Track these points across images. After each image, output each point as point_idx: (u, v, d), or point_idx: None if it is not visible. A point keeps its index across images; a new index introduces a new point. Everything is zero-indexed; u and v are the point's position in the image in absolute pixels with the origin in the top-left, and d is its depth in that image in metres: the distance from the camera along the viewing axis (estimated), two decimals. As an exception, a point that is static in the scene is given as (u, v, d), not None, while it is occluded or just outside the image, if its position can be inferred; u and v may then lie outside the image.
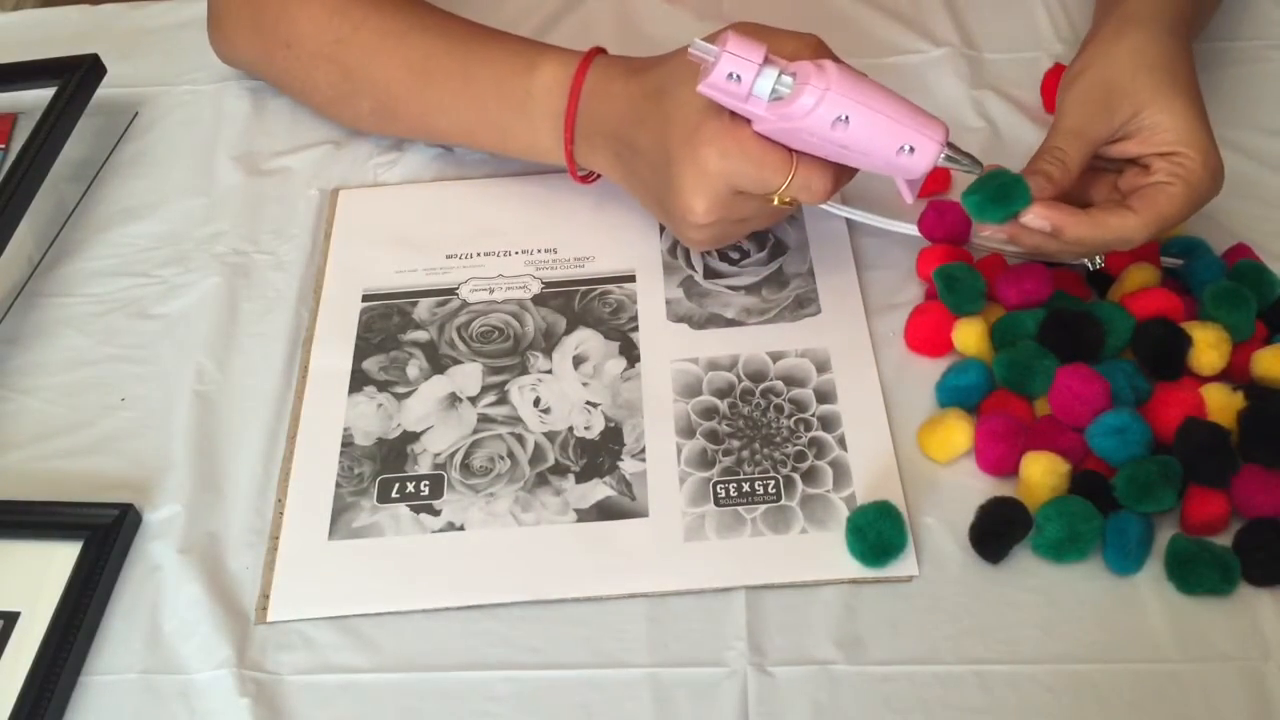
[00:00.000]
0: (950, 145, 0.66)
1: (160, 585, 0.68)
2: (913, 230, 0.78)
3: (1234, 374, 0.68)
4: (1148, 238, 0.67)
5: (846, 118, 0.64)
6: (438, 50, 0.81)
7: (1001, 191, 0.66)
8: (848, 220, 0.80)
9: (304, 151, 0.89)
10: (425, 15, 0.82)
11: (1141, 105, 0.68)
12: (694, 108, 0.68)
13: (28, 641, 0.65)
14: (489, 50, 0.80)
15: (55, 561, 0.68)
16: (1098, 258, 0.73)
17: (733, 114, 0.68)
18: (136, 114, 0.94)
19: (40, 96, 0.88)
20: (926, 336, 0.73)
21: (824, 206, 0.79)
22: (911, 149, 0.65)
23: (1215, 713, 0.59)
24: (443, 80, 0.81)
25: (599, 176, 0.80)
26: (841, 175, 0.69)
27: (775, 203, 0.69)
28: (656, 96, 0.71)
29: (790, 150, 0.67)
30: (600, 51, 0.77)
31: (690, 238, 0.74)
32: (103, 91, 0.91)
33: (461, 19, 0.83)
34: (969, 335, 0.71)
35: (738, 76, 0.65)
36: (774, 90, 0.65)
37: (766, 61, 0.65)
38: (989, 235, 0.69)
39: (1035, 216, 0.66)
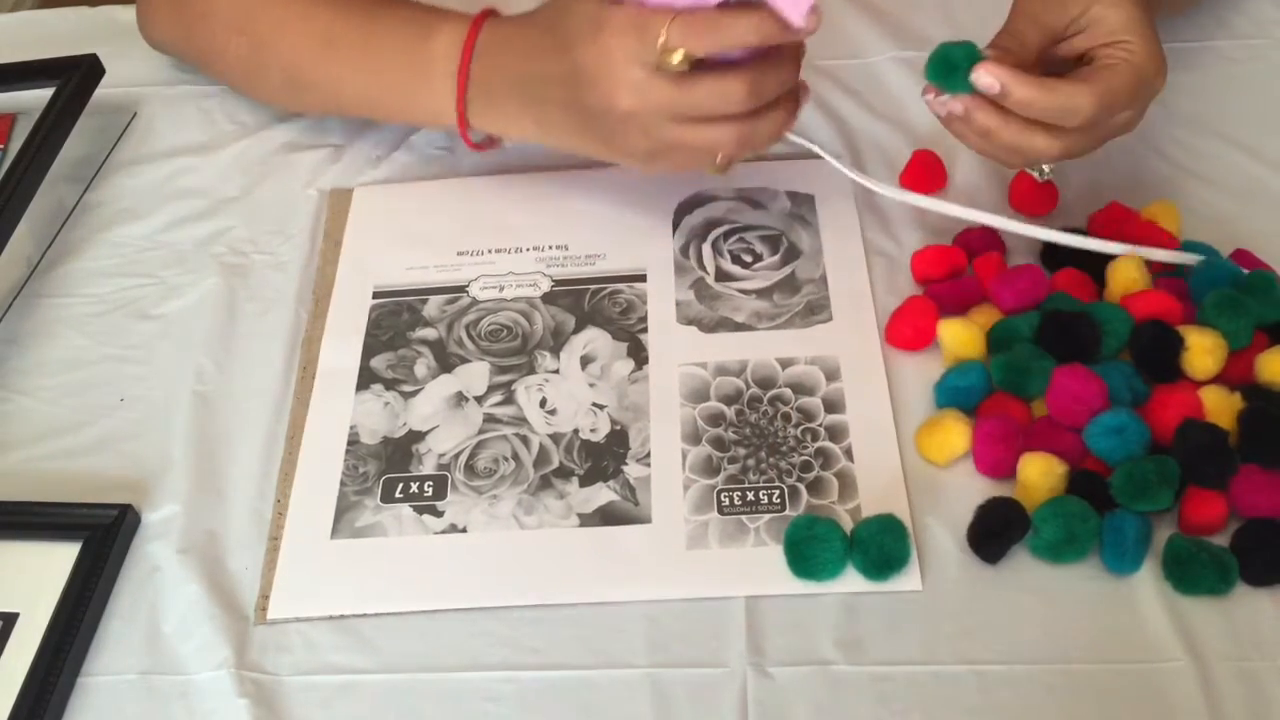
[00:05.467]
0: None
1: (159, 586, 0.72)
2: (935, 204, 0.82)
3: (1229, 380, 0.72)
4: (1095, 110, 0.72)
5: None
6: (340, 20, 0.87)
7: (960, 54, 0.73)
8: (861, 232, 0.85)
9: (303, 152, 0.94)
10: None
11: (1092, 1, 0.75)
12: (588, 11, 0.74)
13: (27, 642, 0.68)
14: (390, 19, 0.86)
15: (54, 562, 0.71)
16: (1045, 167, 0.78)
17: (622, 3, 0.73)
18: (135, 114, 0.99)
19: (39, 96, 0.93)
20: (907, 330, 0.78)
21: (854, 174, 0.82)
22: None
23: (1214, 713, 0.62)
24: (346, 51, 0.86)
25: (496, 144, 0.86)
26: (722, 22, 0.72)
27: (674, 62, 0.71)
28: (551, 24, 0.77)
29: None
30: (494, 12, 0.83)
31: (626, 147, 0.77)
32: (101, 91, 0.95)
33: None
34: (954, 331, 0.76)
35: None
36: None
37: None
38: (941, 101, 0.74)
39: (984, 73, 0.71)
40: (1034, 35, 0.75)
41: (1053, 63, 0.77)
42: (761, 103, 0.75)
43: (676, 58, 0.71)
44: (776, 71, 0.74)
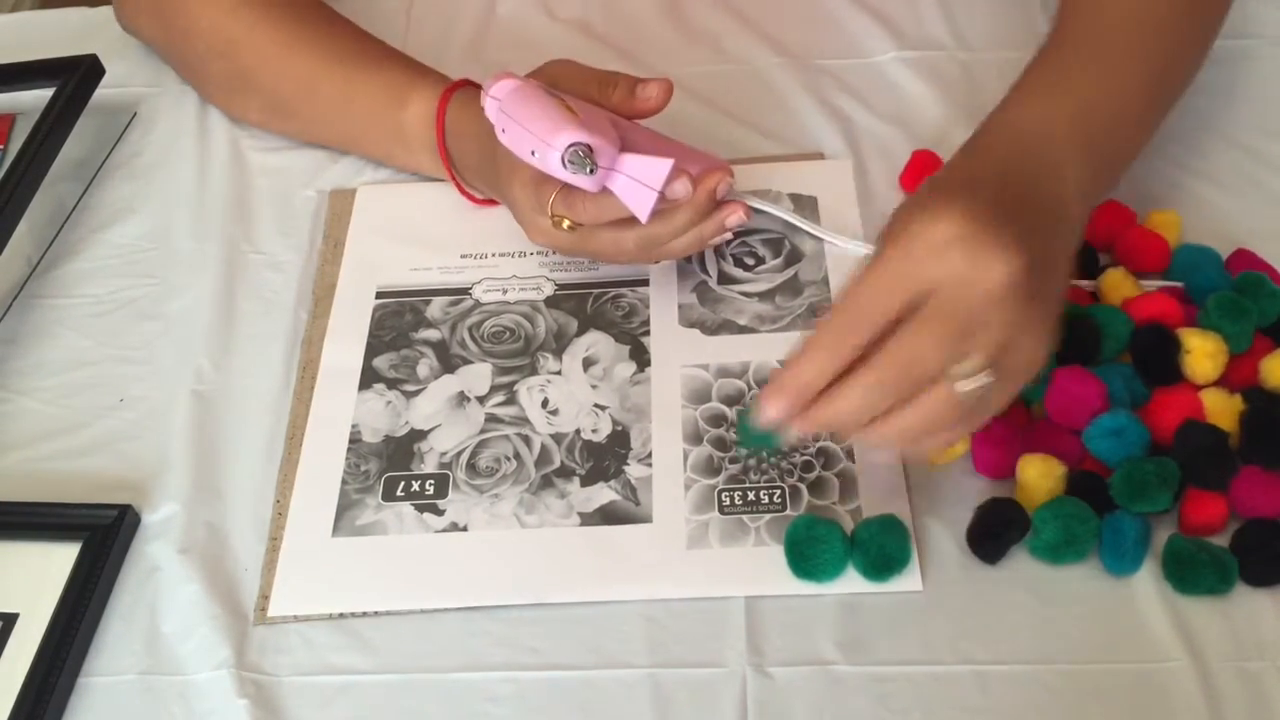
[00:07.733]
0: (576, 153, 0.72)
1: (159, 586, 0.73)
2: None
3: (1229, 383, 0.73)
4: None
5: (504, 130, 0.75)
6: (320, 69, 0.90)
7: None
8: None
9: (301, 152, 0.96)
10: (314, 27, 0.91)
11: None
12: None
13: (26, 643, 0.69)
14: (367, 75, 0.89)
15: (54, 562, 0.72)
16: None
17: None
18: (135, 114, 1.00)
19: (39, 97, 0.94)
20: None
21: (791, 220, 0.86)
22: (534, 153, 0.73)
23: (1214, 713, 0.63)
24: (326, 98, 0.90)
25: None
26: (599, 202, 0.75)
27: (564, 226, 0.77)
28: (491, 134, 0.78)
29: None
30: (465, 84, 0.86)
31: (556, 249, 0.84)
32: (101, 92, 0.96)
33: (351, 32, 0.91)
34: None
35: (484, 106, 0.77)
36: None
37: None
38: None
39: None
40: None
41: None
42: (656, 250, 0.79)
43: (565, 223, 0.77)
44: (671, 223, 0.77)
